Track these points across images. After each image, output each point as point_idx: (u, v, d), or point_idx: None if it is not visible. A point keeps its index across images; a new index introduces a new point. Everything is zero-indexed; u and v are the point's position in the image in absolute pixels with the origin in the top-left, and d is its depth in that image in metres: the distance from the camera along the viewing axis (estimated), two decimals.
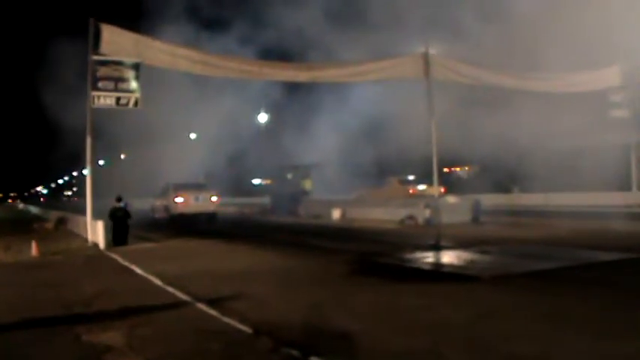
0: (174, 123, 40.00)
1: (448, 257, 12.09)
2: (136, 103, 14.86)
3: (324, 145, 37.15)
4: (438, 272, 10.34)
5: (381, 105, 32.98)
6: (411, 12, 23.00)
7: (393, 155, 32.46)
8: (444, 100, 18.15)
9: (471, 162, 41.26)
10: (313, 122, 39.28)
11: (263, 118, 56.52)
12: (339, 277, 10.04)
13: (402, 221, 21.70)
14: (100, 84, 14.56)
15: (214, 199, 27.96)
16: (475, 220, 21.37)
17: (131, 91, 14.76)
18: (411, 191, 30.82)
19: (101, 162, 55.61)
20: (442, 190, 24.51)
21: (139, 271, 11.24)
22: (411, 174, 33.64)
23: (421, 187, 31.03)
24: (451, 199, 22.88)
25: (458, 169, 44.84)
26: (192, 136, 50.11)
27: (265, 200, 38.96)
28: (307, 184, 32.91)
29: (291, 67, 17.09)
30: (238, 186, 57.58)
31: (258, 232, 21.00)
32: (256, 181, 64.49)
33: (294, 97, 42.74)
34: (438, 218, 16.79)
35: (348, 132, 36.92)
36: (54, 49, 41.08)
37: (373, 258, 12.12)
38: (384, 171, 36.12)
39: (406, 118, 25.36)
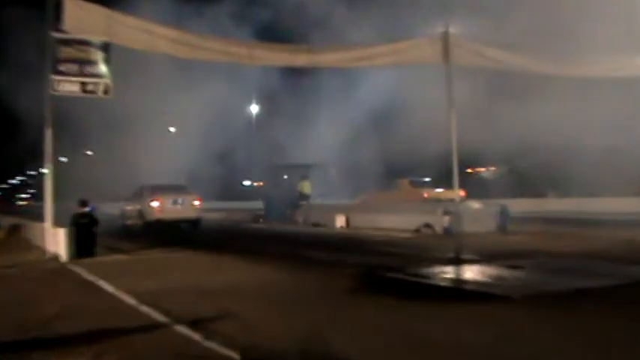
0: (151, 114, 40.01)
1: (471, 272, 12.00)
2: (105, 91, 14.79)
3: (325, 142, 37.14)
4: (459, 290, 10.25)
5: (392, 95, 32.99)
6: None
7: (405, 153, 32.41)
8: (466, 89, 18.07)
9: (498, 161, 41.22)
10: (313, 115, 39.36)
11: (254, 109, 56.53)
12: (343, 294, 9.96)
13: (416, 230, 21.62)
14: (62, 67, 14.47)
15: (197, 203, 27.89)
16: (502, 229, 21.28)
17: (100, 76, 14.69)
18: (425, 195, 30.76)
19: (63, 159, 55.52)
20: (462, 193, 24.43)
21: (107, 287, 11.14)
22: (426, 175, 33.61)
23: (438, 190, 30.98)
24: (474, 204, 22.79)
25: (482, 169, 44.78)
26: (172, 129, 50.09)
27: (257, 205, 38.88)
28: (306, 187, 32.78)
29: (288, 49, 17.03)
30: (226, 188, 57.61)
31: (249, 242, 20.93)
32: (247, 183, 64.47)
33: (291, 86, 42.81)
34: (459, 227, 16.72)
35: (353, 126, 36.98)
36: (6, 24, 40.90)
37: (382, 273, 12.04)
38: (394, 171, 36.11)
39: (421, 110, 25.30)
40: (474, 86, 19.05)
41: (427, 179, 33.27)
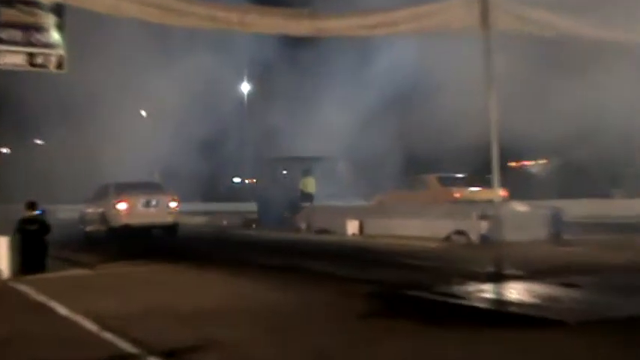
0: (118, 95, 39.99)
1: (515, 291, 11.93)
2: (59, 64, 14.73)
3: (333, 129, 37.07)
4: (500, 313, 10.18)
5: (417, 71, 32.91)
6: None
7: (432, 143, 32.35)
8: (509, 63, 17.96)
9: (549, 153, 41.07)
10: (318, 96, 39.28)
11: (246, 88, 56.51)
12: (356, 318, 9.90)
13: (446, 238, 21.59)
14: (3, 33, 14.41)
15: (174, 204, 27.87)
16: (555, 237, 21.21)
17: (51, 46, 14.64)
18: (457, 195, 30.68)
19: (5, 150, 55.50)
20: (504, 193, 24.35)
21: (62, 309, 11.11)
22: (458, 170, 33.50)
23: (473, 189, 30.92)
24: (519, 206, 22.72)
25: (529, 163, 44.68)
26: (144, 113, 50.08)
27: (250, 206, 38.90)
28: (309, 185, 32.82)
29: (287, 14, 16.93)
30: (211, 187, 57.72)
31: (239, 253, 21.00)
32: (237, 180, 64.55)
33: (291, 60, 42.74)
34: (500, 234, 16.64)
35: (367, 110, 36.91)
36: None
37: (405, 291, 11.97)
38: (418, 165, 36.06)
39: (452, 90, 25.23)
40: (519, 59, 18.92)
41: (459, 175, 33.15)
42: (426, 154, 35.72)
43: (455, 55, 22.58)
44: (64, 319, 10.45)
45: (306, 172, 32.92)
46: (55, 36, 14.67)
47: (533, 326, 9.06)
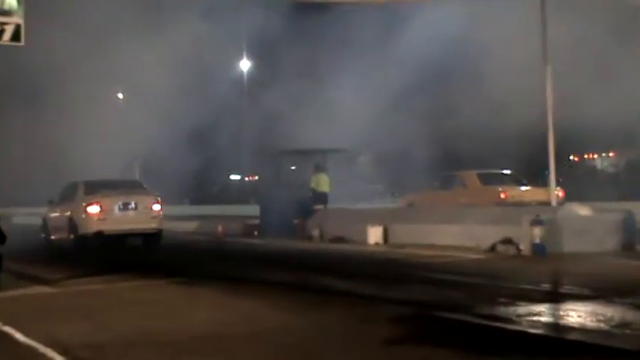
0: (88, 73, 40.00)
1: (576, 314, 11.84)
2: (16, 36, 14.75)
3: (351, 116, 37.04)
4: (557, 341, 10.12)
5: (454, 45, 32.82)
6: None
7: (472, 133, 32.30)
8: (569, 33, 17.90)
9: (618, 144, 40.93)
10: (332, 76, 39.21)
11: (246, 66, 56.59)
12: (381, 347, 9.81)
13: (490, 248, 21.52)
14: None
15: (156, 207, 27.83)
16: (626, 247, 21.10)
17: (7, 14, 14.65)
18: (503, 195, 30.64)
19: None
20: (561, 193, 24.25)
21: (20, 337, 11.05)
22: (504, 165, 33.43)
23: (522, 188, 30.88)
24: (580, 210, 22.62)
25: (594, 156, 44.54)
26: (121, 96, 50.15)
27: (250, 209, 38.93)
28: (322, 183, 32.77)
29: None
30: (203, 185, 57.87)
31: (237, 266, 20.98)
32: (234, 177, 64.66)
33: (300, 31, 42.75)
34: (557, 244, 16.55)
35: (393, 93, 36.82)
36: None
37: (441, 314, 11.95)
38: (455, 160, 36.02)
39: (498, 68, 25.15)
40: (581, 28, 18.84)
41: (506, 172, 33.12)
42: (465, 146, 35.69)
43: (500, 24, 22.51)
44: (23, 348, 10.37)
45: (319, 168, 32.87)
46: (11, 2, 14.70)
47: (598, 357, 9.01)
